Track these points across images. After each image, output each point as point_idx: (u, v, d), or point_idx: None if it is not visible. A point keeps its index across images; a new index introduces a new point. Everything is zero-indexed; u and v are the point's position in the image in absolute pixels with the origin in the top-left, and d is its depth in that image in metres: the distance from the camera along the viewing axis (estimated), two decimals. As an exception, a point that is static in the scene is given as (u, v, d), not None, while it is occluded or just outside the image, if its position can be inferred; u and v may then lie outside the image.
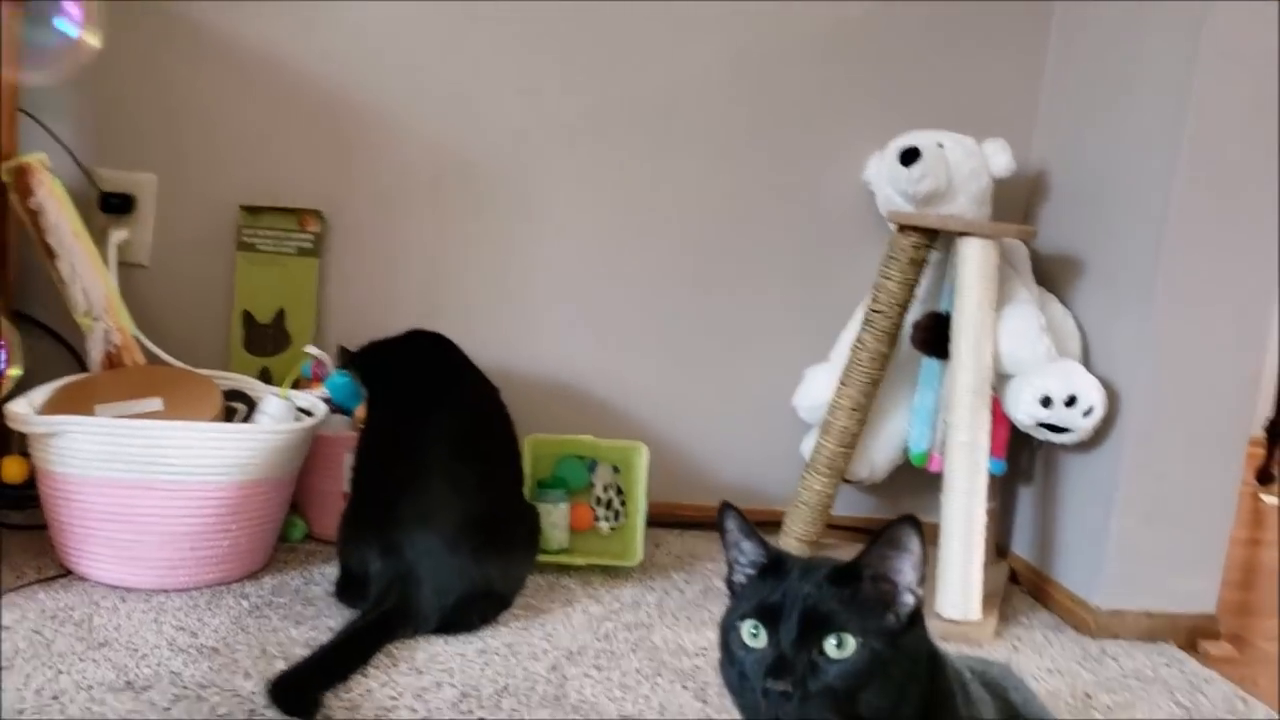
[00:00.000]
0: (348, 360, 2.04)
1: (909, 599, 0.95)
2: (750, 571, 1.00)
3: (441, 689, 1.64)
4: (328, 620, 1.82)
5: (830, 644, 0.90)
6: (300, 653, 1.65)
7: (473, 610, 1.82)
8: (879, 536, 0.95)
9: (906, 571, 0.94)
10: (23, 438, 1.91)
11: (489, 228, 2.39)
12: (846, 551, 2.31)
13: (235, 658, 1.65)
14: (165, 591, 1.85)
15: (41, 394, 1.93)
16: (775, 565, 0.98)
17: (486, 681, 1.67)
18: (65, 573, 1.89)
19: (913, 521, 0.94)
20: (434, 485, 1.79)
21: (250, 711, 1.48)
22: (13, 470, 2.03)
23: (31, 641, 1.64)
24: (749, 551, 1.00)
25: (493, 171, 2.37)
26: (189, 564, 1.85)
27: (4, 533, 2.02)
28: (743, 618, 0.95)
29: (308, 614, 1.84)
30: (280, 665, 1.60)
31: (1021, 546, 2.38)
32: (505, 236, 2.40)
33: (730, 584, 1.03)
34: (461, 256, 2.39)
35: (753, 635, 0.94)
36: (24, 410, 1.84)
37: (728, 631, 0.98)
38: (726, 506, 1.02)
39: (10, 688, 1.50)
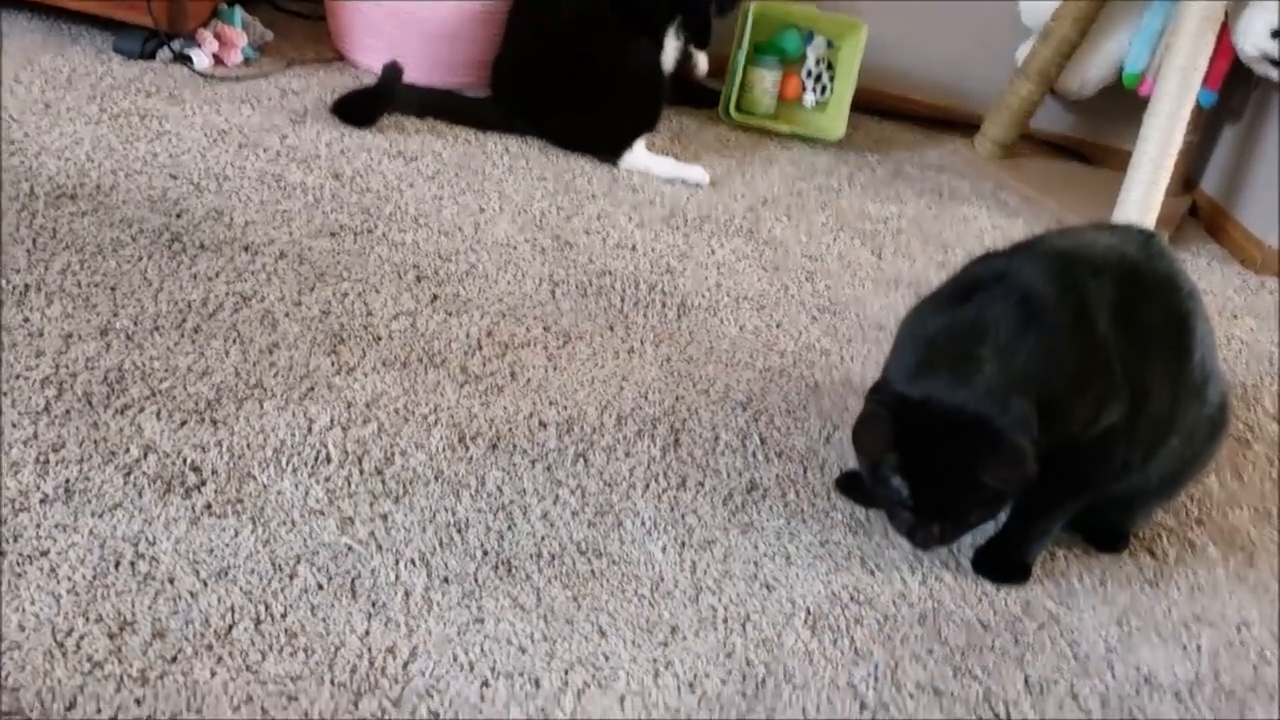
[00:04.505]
0: None
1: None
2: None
3: (654, 206, 1.88)
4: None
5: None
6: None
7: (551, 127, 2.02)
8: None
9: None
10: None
11: None
12: (1035, 165, 2.42)
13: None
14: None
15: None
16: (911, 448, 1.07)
17: (691, 209, 1.91)
18: (340, 58, 2.15)
19: None
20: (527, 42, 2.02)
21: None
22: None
23: (318, 105, 1.93)
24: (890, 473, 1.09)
25: None
26: (443, 65, 2.08)
27: (290, 19, 2.27)
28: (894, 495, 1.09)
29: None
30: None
31: (1210, 183, 2.43)
32: None
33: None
34: None
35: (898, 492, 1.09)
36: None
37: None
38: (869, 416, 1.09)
39: (306, 139, 1.80)
